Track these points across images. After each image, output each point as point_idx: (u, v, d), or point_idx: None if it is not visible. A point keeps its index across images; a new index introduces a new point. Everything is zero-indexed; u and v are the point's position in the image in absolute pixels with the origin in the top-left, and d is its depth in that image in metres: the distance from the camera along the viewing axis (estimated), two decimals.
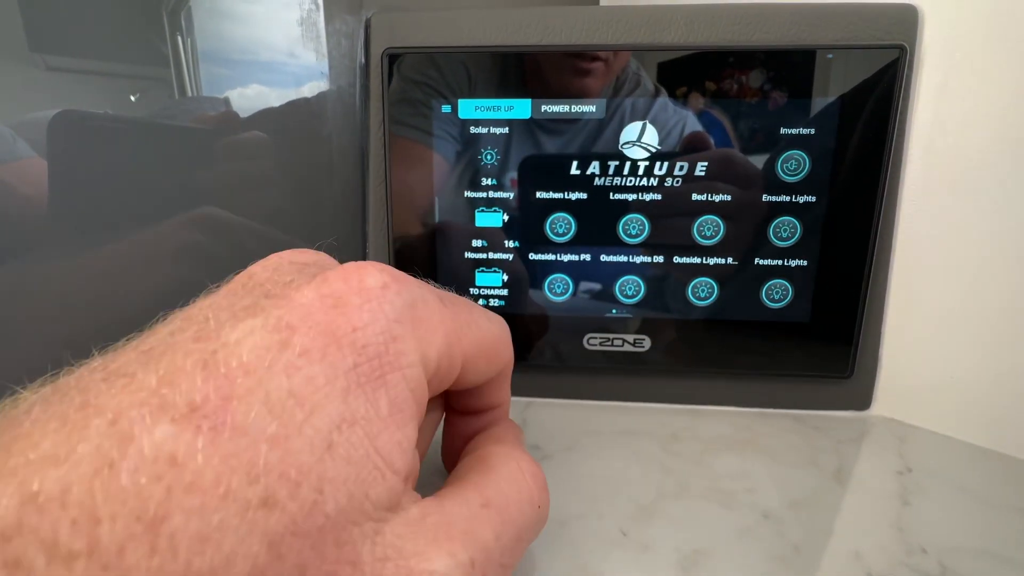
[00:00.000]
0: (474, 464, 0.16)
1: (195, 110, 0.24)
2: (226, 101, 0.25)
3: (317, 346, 0.12)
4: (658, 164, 0.27)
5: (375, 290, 0.13)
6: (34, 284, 0.20)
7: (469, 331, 0.15)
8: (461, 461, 0.17)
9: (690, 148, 0.27)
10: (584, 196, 0.28)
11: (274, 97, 0.26)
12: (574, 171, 0.27)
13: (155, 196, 0.23)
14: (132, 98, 0.22)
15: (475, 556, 0.13)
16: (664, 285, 0.28)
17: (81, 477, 0.09)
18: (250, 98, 0.26)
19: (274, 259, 0.15)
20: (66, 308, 0.21)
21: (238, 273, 0.15)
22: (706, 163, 0.27)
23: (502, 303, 0.29)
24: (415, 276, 0.15)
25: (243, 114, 0.26)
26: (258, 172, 0.27)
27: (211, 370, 0.11)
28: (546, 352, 0.30)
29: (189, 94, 0.24)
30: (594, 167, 0.27)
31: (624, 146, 0.27)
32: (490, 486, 0.15)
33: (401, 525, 0.12)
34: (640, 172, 0.27)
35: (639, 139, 0.27)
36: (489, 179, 0.28)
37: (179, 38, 0.23)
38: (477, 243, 0.28)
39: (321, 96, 0.28)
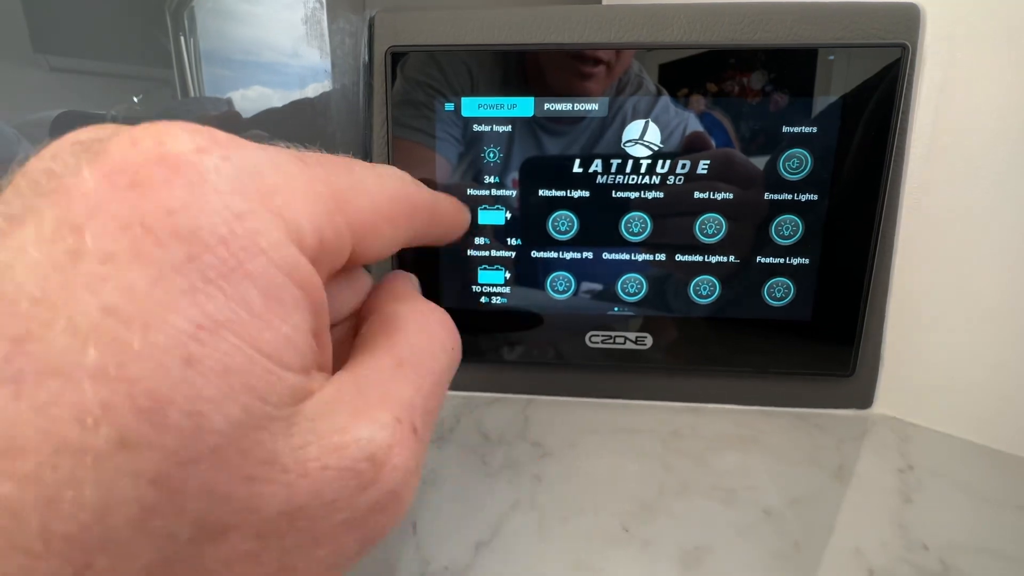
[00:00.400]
0: (378, 326, 0.15)
1: (198, 110, 0.24)
2: (228, 101, 0.25)
3: (123, 246, 0.09)
4: (660, 162, 0.27)
5: (187, 156, 0.10)
6: None
7: (355, 195, 0.13)
8: (364, 324, 0.15)
9: (690, 148, 0.27)
10: (586, 194, 0.28)
11: (277, 96, 0.27)
12: (576, 169, 0.27)
13: None
14: (135, 99, 0.22)
15: (399, 414, 0.12)
16: (666, 283, 0.28)
17: None
18: (253, 98, 0.26)
19: (54, 144, 0.11)
20: None
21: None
22: (708, 162, 0.27)
23: (504, 300, 0.29)
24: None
25: (246, 114, 0.26)
26: None
27: None
28: (548, 350, 0.30)
29: (192, 94, 0.24)
30: (596, 165, 0.27)
31: (626, 144, 0.27)
32: (400, 344, 0.14)
33: (314, 408, 0.11)
34: (642, 170, 0.27)
35: (641, 137, 0.27)
36: (492, 177, 0.28)
37: (182, 38, 0.23)
38: (479, 240, 0.29)
39: (324, 94, 0.28)
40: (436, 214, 0.17)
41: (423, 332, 0.15)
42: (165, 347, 0.09)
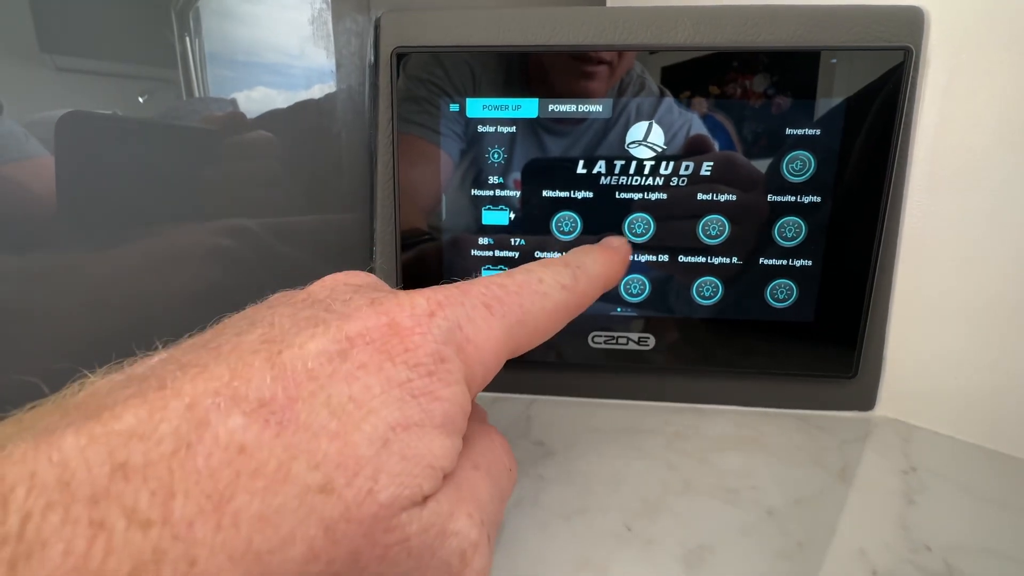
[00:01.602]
0: None
1: (203, 111, 0.24)
2: (234, 102, 0.25)
3: (374, 361, 0.13)
4: (664, 164, 0.27)
5: (423, 317, 0.14)
6: (40, 279, 0.20)
7: (523, 330, 0.16)
8: None
9: (692, 151, 0.27)
10: (590, 195, 0.28)
11: (283, 96, 0.27)
12: (580, 170, 0.28)
13: (163, 196, 0.23)
14: (140, 99, 0.22)
15: (482, 516, 0.14)
16: (669, 284, 0.28)
17: (162, 454, 0.10)
18: (258, 99, 0.26)
19: (330, 280, 0.17)
20: (80, 305, 0.21)
21: (296, 289, 0.17)
22: (711, 164, 0.27)
23: None
24: (452, 279, 0.16)
25: (252, 114, 0.26)
26: (267, 170, 0.27)
27: (279, 370, 0.12)
28: (550, 350, 0.30)
29: (197, 95, 0.24)
30: (600, 166, 0.27)
31: (630, 145, 0.27)
32: (474, 453, 0.16)
33: (435, 496, 0.14)
34: (646, 171, 0.27)
35: (645, 138, 0.27)
36: (496, 178, 0.28)
37: (187, 39, 0.23)
38: (483, 241, 0.29)
39: (330, 95, 0.28)
40: (590, 296, 0.20)
41: (490, 450, 0.17)
42: (375, 429, 0.12)
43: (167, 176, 0.23)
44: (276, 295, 0.16)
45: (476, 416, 0.19)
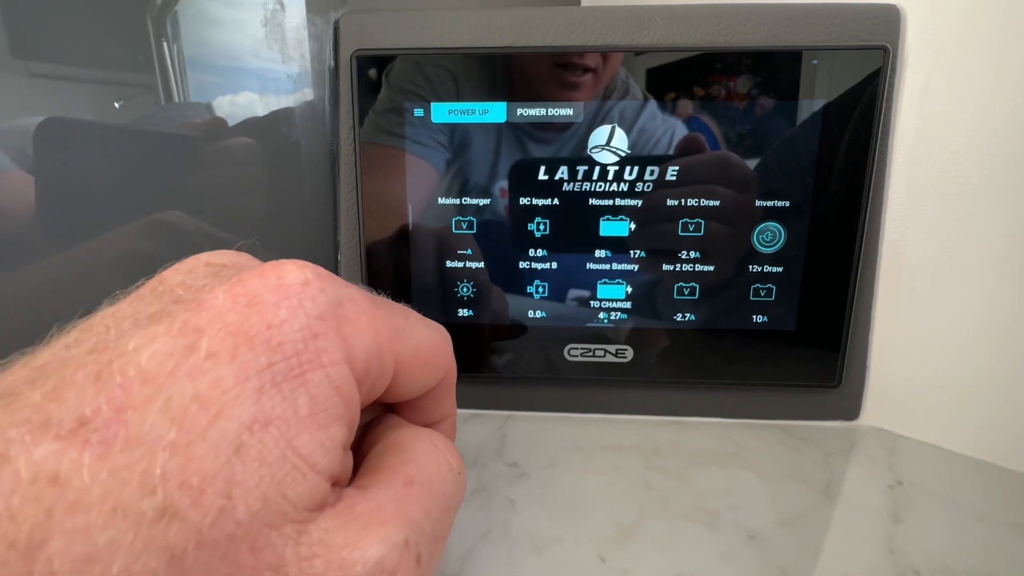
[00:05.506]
0: (386, 449, 0.15)
1: (179, 117, 0.23)
2: (209, 107, 0.24)
3: (227, 347, 0.11)
4: (628, 169, 0.26)
5: (295, 287, 0.12)
6: (23, 287, 0.19)
7: (404, 335, 0.15)
8: (371, 451, 0.16)
9: (685, 152, 0.26)
10: (560, 203, 0.27)
11: (241, 102, 0.25)
12: (543, 176, 0.26)
13: (119, 203, 0.22)
14: (116, 104, 0.21)
15: (408, 535, 0.13)
16: (647, 294, 0.27)
17: None
18: (230, 106, 0.25)
19: (189, 262, 0.14)
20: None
21: (148, 279, 0.14)
22: (677, 168, 0.26)
23: (479, 312, 0.28)
24: (385, 290, 0.15)
25: (234, 120, 0.25)
26: (227, 180, 0.26)
27: (104, 381, 0.10)
28: (526, 364, 0.28)
29: (175, 100, 0.23)
30: (563, 172, 0.26)
31: (593, 150, 0.26)
32: (409, 464, 0.15)
33: (327, 519, 0.12)
34: (610, 177, 0.26)
35: (608, 143, 0.26)
36: (465, 186, 0.27)
37: (164, 44, 0.23)
38: (454, 251, 0.27)
39: (288, 101, 0.27)
40: (453, 379, 0.18)
41: (430, 455, 0.15)
42: (224, 434, 0.10)
43: (123, 184, 0.22)
44: (130, 290, 0.14)
45: (404, 420, 0.17)
